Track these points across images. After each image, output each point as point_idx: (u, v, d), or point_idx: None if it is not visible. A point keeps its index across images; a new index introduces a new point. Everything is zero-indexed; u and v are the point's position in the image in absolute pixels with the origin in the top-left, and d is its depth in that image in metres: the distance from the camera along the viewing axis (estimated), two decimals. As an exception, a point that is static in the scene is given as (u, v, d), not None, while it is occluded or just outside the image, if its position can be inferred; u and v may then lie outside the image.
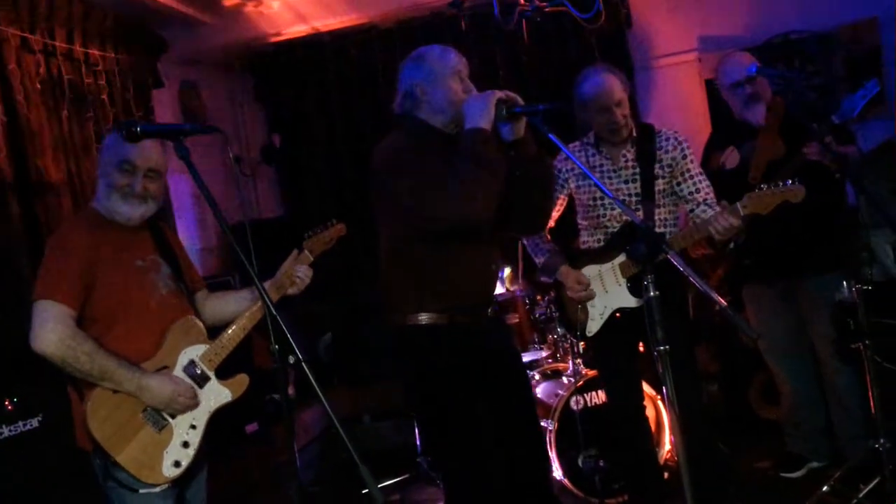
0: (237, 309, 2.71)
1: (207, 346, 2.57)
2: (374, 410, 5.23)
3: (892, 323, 3.71)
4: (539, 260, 3.26)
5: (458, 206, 2.42)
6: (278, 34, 5.38)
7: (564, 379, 3.93)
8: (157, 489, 2.39)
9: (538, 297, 4.17)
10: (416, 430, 4.41)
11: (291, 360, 1.95)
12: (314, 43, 5.79)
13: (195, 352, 2.54)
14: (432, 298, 2.59)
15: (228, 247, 5.60)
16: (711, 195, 3.16)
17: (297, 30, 5.35)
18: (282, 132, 6.02)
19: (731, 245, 3.02)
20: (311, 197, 5.96)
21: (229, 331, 2.62)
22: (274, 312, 1.96)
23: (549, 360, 4.16)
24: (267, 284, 2.72)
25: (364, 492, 4.33)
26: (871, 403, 3.03)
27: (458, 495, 2.67)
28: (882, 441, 2.97)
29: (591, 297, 3.12)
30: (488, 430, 2.63)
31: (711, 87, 5.20)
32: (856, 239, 3.68)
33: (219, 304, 2.78)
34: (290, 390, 3.89)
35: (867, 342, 2.99)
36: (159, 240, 2.66)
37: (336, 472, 4.59)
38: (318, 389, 1.84)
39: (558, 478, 3.70)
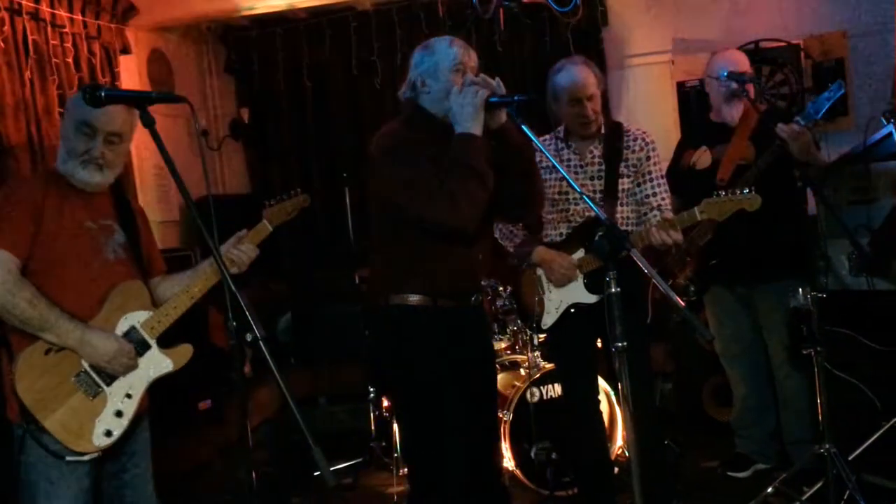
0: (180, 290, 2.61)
1: (150, 312, 2.47)
2: (330, 393, 5.22)
3: (844, 332, 3.80)
4: (513, 243, 3.26)
5: (443, 214, 2.46)
6: (253, 7, 5.29)
7: (522, 371, 3.95)
8: (86, 457, 2.32)
9: (500, 289, 4.18)
10: (372, 415, 4.41)
11: (249, 337, 1.93)
12: (289, 19, 5.73)
13: (137, 318, 2.44)
14: (417, 281, 2.61)
15: (190, 221, 5.52)
16: (667, 202, 3.19)
17: (272, 4, 5.27)
18: (251, 107, 5.95)
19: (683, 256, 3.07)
20: (277, 174, 5.92)
21: (174, 299, 2.52)
22: (234, 288, 1.94)
23: (508, 352, 4.18)
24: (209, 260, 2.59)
25: (317, 474, 4.33)
26: (820, 409, 3.09)
27: (418, 472, 2.73)
28: (828, 446, 3.03)
29: (573, 278, 3.13)
30: (452, 416, 2.65)
31: (682, 90, 5.27)
32: (813, 247, 3.76)
33: (169, 287, 2.65)
34: (247, 368, 3.86)
35: (819, 349, 3.04)
36: (121, 208, 2.56)
37: (289, 453, 4.58)
38: (274, 369, 1.83)
39: (510, 468, 3.72)
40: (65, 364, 2.32)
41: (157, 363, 2.45)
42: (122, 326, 2.42)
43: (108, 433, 2.33)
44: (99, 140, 2.40)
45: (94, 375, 2.35)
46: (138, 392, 2.41)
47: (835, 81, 3.33)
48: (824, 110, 3.27)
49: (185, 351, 2.51)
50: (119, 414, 2.36)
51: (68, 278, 2.37)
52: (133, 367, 2.40)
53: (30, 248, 2.32)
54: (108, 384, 2.37)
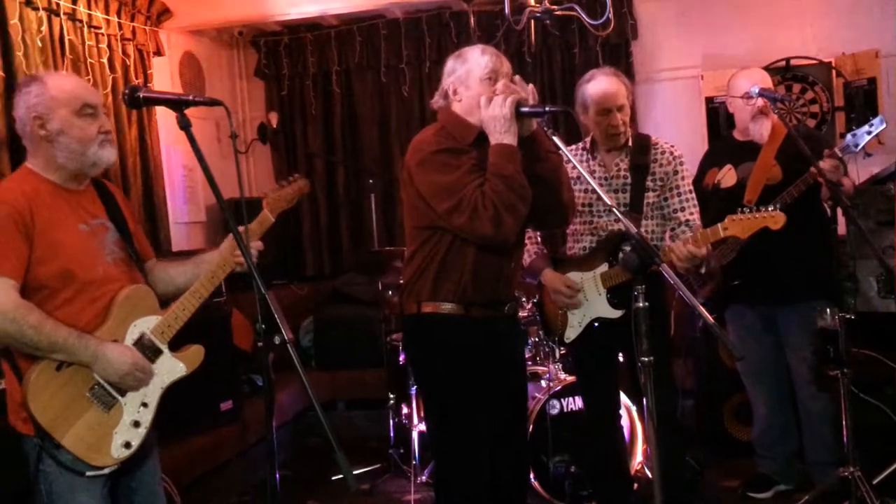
0: (186, 280, 2.50)
1: (159, 317, 2.37)
2: (350, 398, 5.23)
3: (871, 354, 3.76)
4: (525, 260, 3.25)
5: (487, 227, 2.45)
6: (284, 13, 5.35)
7: (542, 382, 3.93)
8: (106, 471, 2.24)
9: (523, 300, 4.17)
10: (391, 422, 4.41)
11: (277, 340, 1.92)
12: (320, 25, 5.79)
13: (146, 324, 2.34)
14: (450, 289, 2.61)
15: (217, 222, 5.56)
16: (696, 217, 3.16)
17: (304, 10, 5.33)
18: (279, 112, 6.00)
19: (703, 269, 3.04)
20: (303, 179, 5.96)
21: (183, 301, 2.41)
22: (263, 290, 1.94)
23: (529, 363, 4.16)
24: (213, 254, 2.53)
25: (334, 478, 4.32)
26: (844, 431, 3.06)
27: (445, 479, 2.71)
28: (852, 469, 3.00)
29: (576, 304, 3.13)
30: (481, 426, 2.65)
31: (711, 106, 5.26)
32: (841, 268, 3.72)
33: (166, 275, 2.56)
34: (268, 371, 3.86)
35: (846, 370, 3.01)
36: (107, 201, 2.42)
37: (306, 456, 4.59)
38: (301, 372, 1.83)
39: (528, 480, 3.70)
40: (77, 379, 2.23)
41: (170, 368, 2.38)
42: (132, 334, 2.33)
43: (128, 445, 2.27)
44: (100, 115, 2.33)
45: (107, 388, 2.27)
46: (154, 400, 2.35)
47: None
48: (864, 144, 3.24)
49: (197, 352, 2.44)
50: (136, 424, 2.30)
51: (74, 290, 2.26)
52: (145, 382, 2.32)
53: (26, 266, 2.19)
54: (123, 395, 2.29)
